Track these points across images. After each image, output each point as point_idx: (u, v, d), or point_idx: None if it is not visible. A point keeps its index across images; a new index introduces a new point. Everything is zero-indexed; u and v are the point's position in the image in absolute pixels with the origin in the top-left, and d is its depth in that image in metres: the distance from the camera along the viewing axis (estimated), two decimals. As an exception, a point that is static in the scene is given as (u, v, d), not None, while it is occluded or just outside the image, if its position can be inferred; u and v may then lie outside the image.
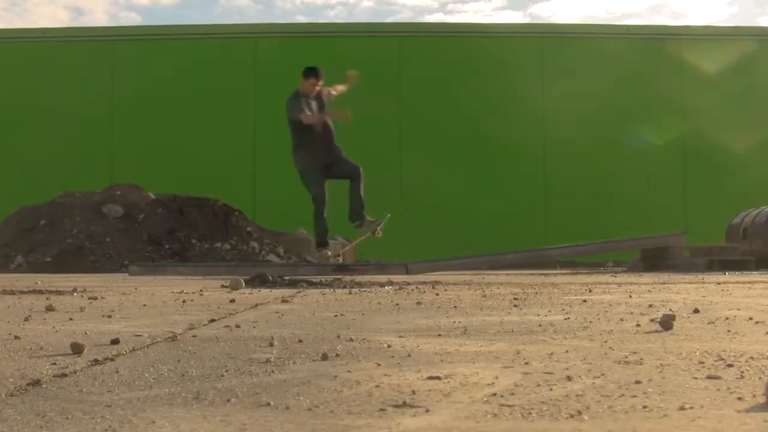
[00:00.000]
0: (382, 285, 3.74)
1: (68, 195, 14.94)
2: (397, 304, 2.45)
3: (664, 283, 4.57)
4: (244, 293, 2.96)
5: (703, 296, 3.17)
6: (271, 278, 3.65)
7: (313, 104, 9.20)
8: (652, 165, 19.66)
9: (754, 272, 7.84)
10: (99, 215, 14.11)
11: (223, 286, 3.70)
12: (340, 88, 9.72)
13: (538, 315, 2.68)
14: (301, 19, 53.33)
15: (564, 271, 9.99)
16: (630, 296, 3.47)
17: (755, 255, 9.01)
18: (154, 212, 14.02)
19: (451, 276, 5.08)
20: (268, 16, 54.14)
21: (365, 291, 2.98)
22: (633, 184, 19.54)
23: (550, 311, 2.72)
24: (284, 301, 2.19)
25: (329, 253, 9.33)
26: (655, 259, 9.18)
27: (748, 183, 18.97)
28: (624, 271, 8.92)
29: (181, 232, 13.63)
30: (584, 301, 2.68)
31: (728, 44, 20.20)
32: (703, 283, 4.65)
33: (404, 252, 18.85)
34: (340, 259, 9.41)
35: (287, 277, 3.72)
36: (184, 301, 2.31)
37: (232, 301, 2.18)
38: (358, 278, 4.18)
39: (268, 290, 3.18)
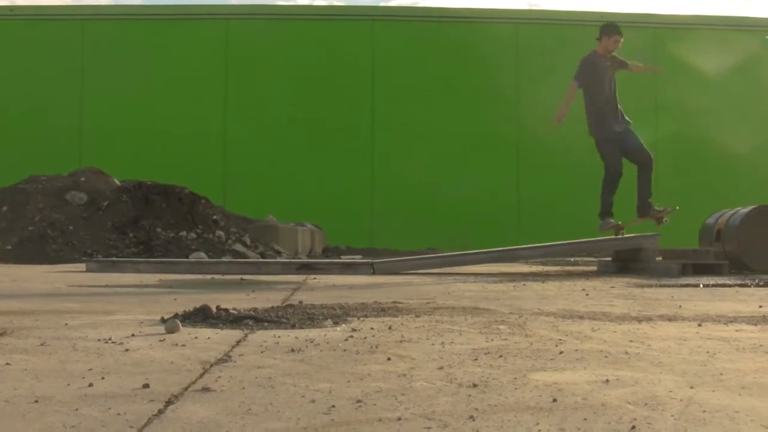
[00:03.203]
0: (335, 321, 3.51)
1: (33, 179, 14.61)
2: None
3: (640, 321, 4.36)
4: (176, 344, 2.71)
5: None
6: (214, 312, 3.42)
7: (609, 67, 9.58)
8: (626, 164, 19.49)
9: (727, 278, 7.74)
10: (62, 202, 13.78)
11: (163, 319, 3.46)
12: (640, 66, 10.29)
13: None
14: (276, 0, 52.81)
15: (535, 269, 9.84)
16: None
17: (727, 257, 8.89)
18: (118, 200, 13.71)
19: (415, 300, 4.87)
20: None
21: (312, 345, 2.74)
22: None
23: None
24: (204, 389, 1.94)
25: (612, 221, 9.60)
26: (627, 261, 9.05)
27: (724, 182, 18.90)
28: (595, 274, 8.75)
29: (146, 221, 13.33)
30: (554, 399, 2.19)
31: (708, 34, 20.01)
32: (682, 319, 4.45)
33: (374, 240, 18.71)
34: (623, 231, 9.62)
35: (233, 310, 3.48)
36: (90, 384, 2.04)
37: (146, 386, 1.92)
38: (310, 309, 3.94)
39: (206, 336, 2.94)
